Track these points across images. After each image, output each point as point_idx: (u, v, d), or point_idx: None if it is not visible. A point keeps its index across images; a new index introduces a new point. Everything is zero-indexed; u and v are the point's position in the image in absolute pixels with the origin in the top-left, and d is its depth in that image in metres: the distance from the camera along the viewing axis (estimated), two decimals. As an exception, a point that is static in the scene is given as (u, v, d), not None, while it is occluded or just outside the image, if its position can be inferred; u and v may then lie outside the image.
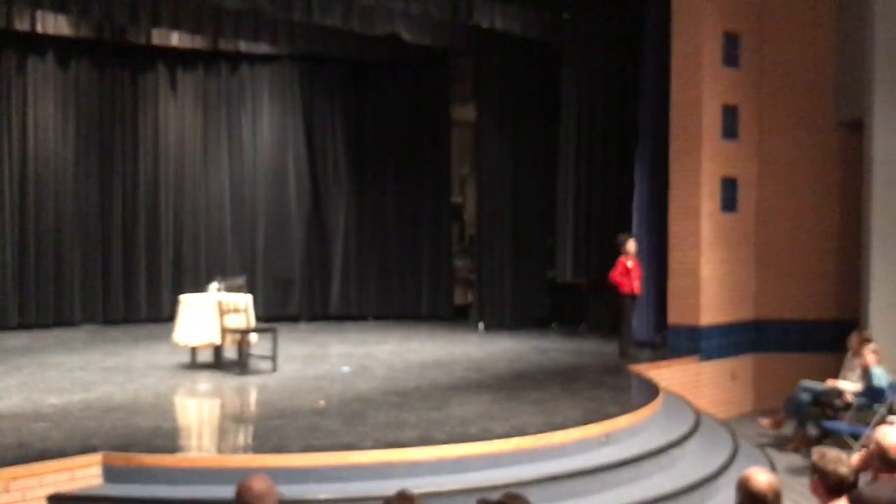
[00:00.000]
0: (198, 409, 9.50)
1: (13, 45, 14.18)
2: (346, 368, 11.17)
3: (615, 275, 11.76)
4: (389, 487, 4.21)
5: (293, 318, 15.82)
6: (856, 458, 5.43)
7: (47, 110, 14.64)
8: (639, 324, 12.72)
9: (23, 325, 14.25)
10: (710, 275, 12.20)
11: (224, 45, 15.27)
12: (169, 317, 14.60)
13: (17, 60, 14.33)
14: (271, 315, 15.17)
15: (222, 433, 8.43)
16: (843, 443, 9.51)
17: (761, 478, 4.10)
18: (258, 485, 3.87)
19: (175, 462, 6.97)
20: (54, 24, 13.76)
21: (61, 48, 14.59)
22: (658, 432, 8.74)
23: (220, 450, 7.60)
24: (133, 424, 7.97)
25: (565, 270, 14.03)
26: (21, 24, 13.50)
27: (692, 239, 12.12)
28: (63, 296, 14.70)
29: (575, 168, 13.87)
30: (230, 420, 8.95)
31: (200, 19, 12.55)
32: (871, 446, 5.19)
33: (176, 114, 15.76)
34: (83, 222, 14.94)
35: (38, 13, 13.44)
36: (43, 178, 14.55)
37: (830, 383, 10.67)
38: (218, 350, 11.02)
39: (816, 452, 4.65)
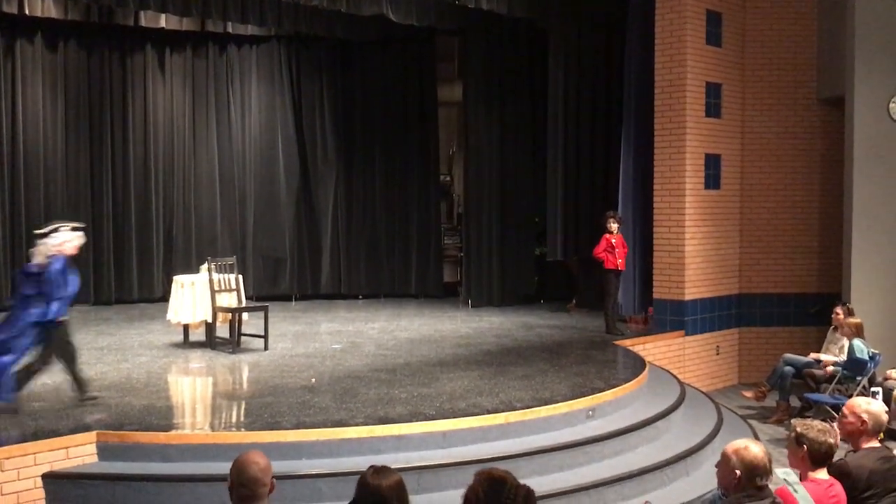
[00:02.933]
0: (191, 387, 9.54)
1: (1, 27, 14.08)
2: (336, 346, 11.29)
3: (599, 251, 11.83)
4: (380, 462, 4.32)
5: (284, 297, 15.89)
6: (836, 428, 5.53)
7: (36, 92, 14.56)
8: (625, 299, 12.84)
9: (15, 307, 14.28)
10: (695, 250, 12.33)
11: (212, 26, 15.19)
12: (160, 297, 14.74)
13: (5, 43, 14.24)
14: (262, 294, 15.31)
15: (215, 410, 8.48)
16: (825, 414, 9.70)
17: (755, 448, 4.17)
18: (254, 461, 3.88)
19: (169, 439, 7.02)
20: (42, 6, 13.68)
21: (50, 30, 14.50)
22: (644, 405, 8.87)
23: (213, 427, 7.63)
24: (127, 403, 8.03)
25: (556, 249, 14.10)
26: (9, 7, 13.41)
27: (676, 215, 12.25)
28: (54, 277, 14.67)
29: (563, 147, 13.91)
30: (223, 397, 9.00)
31: (188, 1, 12.55)
32: (849, 417, 5.29)
33: (165, 95, 15.71)
34: (73, 203, 14.88)
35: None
36: (33, 159, 14.49)
37: (813, 356, 10.87)
38: (210, 329, 11.12)
39: (800, 424, 4.72)
